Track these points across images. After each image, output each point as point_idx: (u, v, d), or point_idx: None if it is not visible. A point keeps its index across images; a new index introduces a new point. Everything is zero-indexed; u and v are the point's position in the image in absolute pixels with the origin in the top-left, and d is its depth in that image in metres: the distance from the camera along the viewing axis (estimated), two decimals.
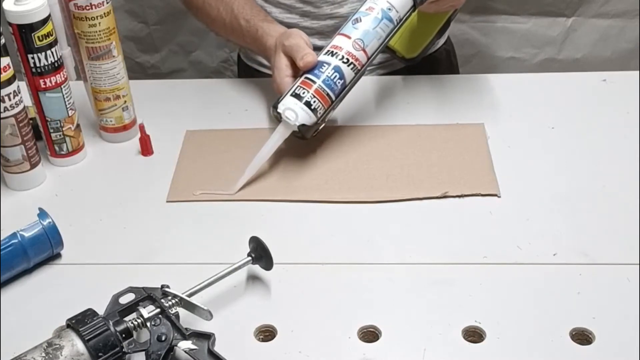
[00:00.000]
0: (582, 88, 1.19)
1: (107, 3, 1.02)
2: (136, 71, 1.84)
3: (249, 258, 0.86)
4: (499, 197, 0.97)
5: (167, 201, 1.00)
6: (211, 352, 0.75)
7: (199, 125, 1.13)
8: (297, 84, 1.01)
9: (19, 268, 0.89)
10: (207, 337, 0.76)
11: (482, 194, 0.98)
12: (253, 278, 0.88)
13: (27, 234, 0.88)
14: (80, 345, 0.74)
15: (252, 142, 1.09)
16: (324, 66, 1.01)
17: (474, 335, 0.80)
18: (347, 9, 1.26)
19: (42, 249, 0.89)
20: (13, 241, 0.87)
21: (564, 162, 1.03)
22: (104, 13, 1.02)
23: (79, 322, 0.75)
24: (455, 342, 0.79)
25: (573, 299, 0.84)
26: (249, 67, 1.41)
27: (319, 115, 1.00)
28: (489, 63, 1.82)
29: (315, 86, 1.00)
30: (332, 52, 1.02)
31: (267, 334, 0.82)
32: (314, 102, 0.99)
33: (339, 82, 1.01)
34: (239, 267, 0.85)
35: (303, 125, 0.99)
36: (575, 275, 0.86)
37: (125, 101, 1.09)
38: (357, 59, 1.01)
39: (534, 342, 0.79)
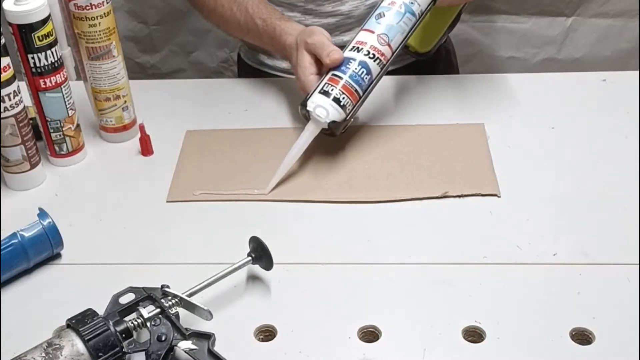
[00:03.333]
0: (582, 88, 1.19)
1: (107, 3, 1.02)
2: (136, 71, 1.84)
3: (249, 258, 0.86)
4: (499, 197, 0.98)
5: (167, 201, 1.00)
6: (211, 352, 0.75)
7: (199, 125, 1.13)
8: (325, 81, 1.01)
9: (19, 268, 0.89)
10: (207, 337, 0.76)
11: (482, 194, 0.98)
12: (253, 278, 0.88)
13: (27, 234, 0.88)
14: (80, 345, 0.74)
15: (252, 142, 1.09)
16: (350, 62, 1.00)
17: (474, 335, 0.80)
18: (349, 7, 1.26)
19: (42, 249, 0.89)
20: (13, 241, 0.87)
21: (564, 161, 1.03)
22: (104, 13, 1.02)
23: (79, 322, 0.75)
24: (455, 342, 0.79)
25: (573, 299, 0.84)
26: (249, 67, 1.41)
27: (348, 111, 1.00)
28: (489, 63, 1.82)
29: (342, 82, 0.99)
30: (358, 47, 1.01)
31: (267, 334, 0.82)
32: (343, 98, 0.99)
33: (366, 78, 1.00)
34: (239, 267, 0.85)
35: (333, 122, 0.99)
36: (575, 275, 0.86)
37: (125, 101, 1.09)
38: (382, 54, 1.01)
39: (534, 342, 0.79)
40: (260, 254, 0.85)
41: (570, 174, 1.01)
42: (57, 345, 0.73)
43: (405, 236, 0.93)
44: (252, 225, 0.93)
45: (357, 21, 1.27)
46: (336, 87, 0.99)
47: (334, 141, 1.06)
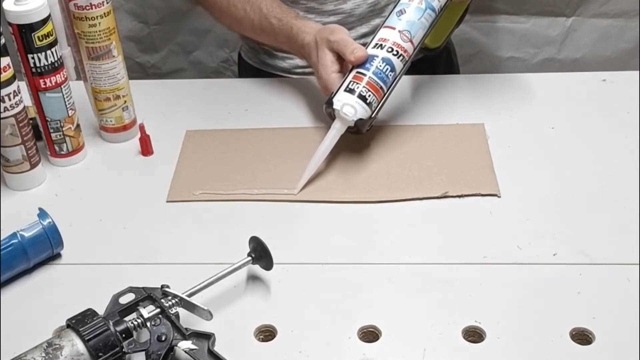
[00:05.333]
0: (582, 88, 1.19)
1: (107, 3, 1.02)
2: (136, 71, 1.84)
3: (249, 258, 0.86)
4: (499, 197, 0.98)
5: (167, 201, 1.00)
6: (211, 352, 0.75)
7: (199, 125, 1.13)
8: (350, 79, 1.01)
9: (19, 268, 0.89)
10: (207, 337, 0.77)
11: (482, 194, 0.98)
12: (253, 278, 0.88)
13: (27, 234, 0.88)
14: (80, 345, 0.74)
15: (252, 142, 1.09)
16: (374, 59, 1.01)
17: (474, 335, 0.80)
18: (351, 5, 1.26)
19: (42, 249, 0.89)
20: (13, 241, 0.87)
21: (564, 162, 1.03)
22: (104, 13, 1.02)
23: (79, 322, 0.75)
24: (455, 342, 0.79)
25: (573, 299, 0.84)
26: (250, 66, 1.40)
27: (373, 109, 1.00)
28: (489, 63, 1.82)
29: (366, 79, 0.99)
30: (381, 45, 1.02)
31: (267, 334, 0.82)
32: (369, 95, 0.99)
33: (390, 75, 1.01)
34: (239, 267, 0.85)
35: (360, 119, 0.99)
36: (575, 275, 0.86)
37: (125, 101, 1.09)
38: (405, 50, 1.02)
39: (534, 342, 0.79)
40: (260, 254, 0.85)
41: (570, 174, 1.01)
42: (57, 345, 0.73)
43: (405, 236, 0.93)
44: (252, 225, 0.93)
45: (359, 20, 1.27)
46: (361, 84, 0.99)
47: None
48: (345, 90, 1.00)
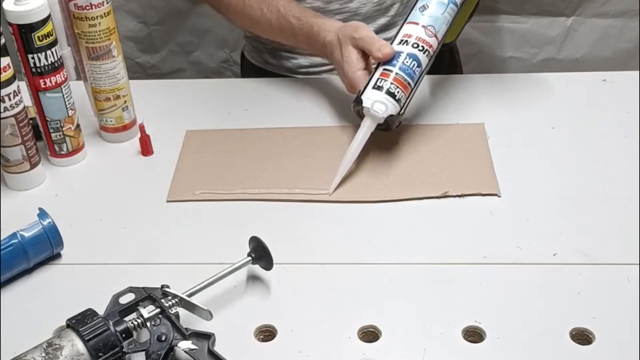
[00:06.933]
0: (582, 88, 1.19)
1: (107, 3, 1.02)
2: (136, 71, 1.84)
3: (249, 258, 0.86)
4: (499, 197, 0.98)
5: (167, 201, 1.00)
6: (211, 352, 0.75)
7: (199, 125, 1.13)
8: (377, 75, 1.01)
9: (19, 268, 0.89)
10: (207, 337, 0.77)
11: (482, 194, 0.98)
12: (253, 278, 0.88)
13: (27, 234, 0.88)
14: (80, 345, 0.74)
15: (252, 142, 1.09)
16: (400, 55, 1.01)
17: (474, 335, 0.80)
18: (357, 4, 1.26)
19: (42, 249, 0.89)
20: (13, 241, 0.87)
21: (564, 162, 1.03)
22: (104, 13, 1.02)
23: (79, 322, 0.75)
24: (455, 342, 0.79)
25: (573, 299, 0.84)
26: (253, 66, 1.40)
27: (402, 104, 1.00)
28: (489, 63, 1.82)
29: (393, 75, 1.00)
30: (406, 40, 1.02)
31: (267, 334, 0.82)
32: (398, 92, 0.99)
33: (416, 70, 1.01)
34: (239, 267, 0.85)
35: (390, 116, 0.99)
36: (575, 275, 0.86)
37: (125, 101, 1.09)
38: (430, 45, 1.02)
39: (534, 342, 0.79)
40: (260, 254, 0.85)
41: (570, 174, 1.01)
42: (57, 345, 0.73)
43: (405, 236, 0.93)
44: (252, 225, 0.93)
45: (364, 19, 1.27)
46: (388, 81, 0.99)
47: (334, 141, 1.06)
48: (373, 88, 1.00)
